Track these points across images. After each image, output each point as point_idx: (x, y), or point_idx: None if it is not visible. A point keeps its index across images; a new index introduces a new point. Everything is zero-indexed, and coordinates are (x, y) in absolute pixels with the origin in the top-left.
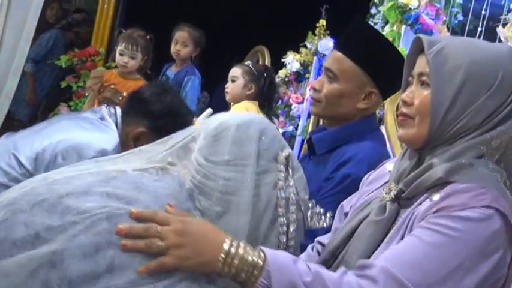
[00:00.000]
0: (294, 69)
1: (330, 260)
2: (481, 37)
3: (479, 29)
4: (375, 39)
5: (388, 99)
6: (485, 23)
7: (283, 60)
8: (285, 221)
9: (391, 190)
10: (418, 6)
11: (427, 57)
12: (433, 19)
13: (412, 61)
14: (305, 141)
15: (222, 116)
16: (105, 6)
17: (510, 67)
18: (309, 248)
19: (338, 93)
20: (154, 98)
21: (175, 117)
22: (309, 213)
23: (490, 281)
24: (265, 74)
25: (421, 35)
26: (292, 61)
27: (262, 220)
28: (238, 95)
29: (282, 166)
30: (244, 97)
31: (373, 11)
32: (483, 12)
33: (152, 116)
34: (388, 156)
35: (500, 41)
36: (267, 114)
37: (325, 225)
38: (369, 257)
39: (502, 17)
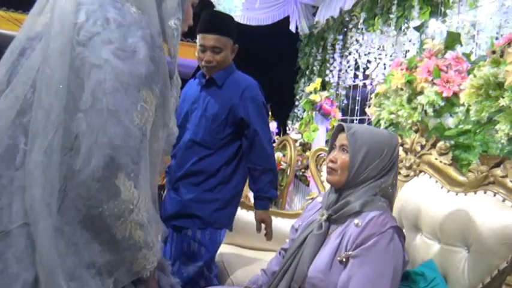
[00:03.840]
0: None
1: (290, 259)
2: (357, 113)
3: (356, 107)
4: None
5: (310, 156)
6: (359, 104)
7: None
8: None
9: (324, 214)
10: (320, 100)
11: (347, 136)
12: (329, 106)
13: (335, 136)
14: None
15: None
16: None
17: (389, 145)
18: (277, 253)
19: (224, 58)
20: None
21: None
22: None
23: (399, 274)
24: None
25: (342, 123)
26: None
27: None
28: None
29: None
30: None
31: (296, 103)
32: (357, 98)
33: None
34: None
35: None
36: None
37: None
38: (314, 256)
39: (368, 102)
